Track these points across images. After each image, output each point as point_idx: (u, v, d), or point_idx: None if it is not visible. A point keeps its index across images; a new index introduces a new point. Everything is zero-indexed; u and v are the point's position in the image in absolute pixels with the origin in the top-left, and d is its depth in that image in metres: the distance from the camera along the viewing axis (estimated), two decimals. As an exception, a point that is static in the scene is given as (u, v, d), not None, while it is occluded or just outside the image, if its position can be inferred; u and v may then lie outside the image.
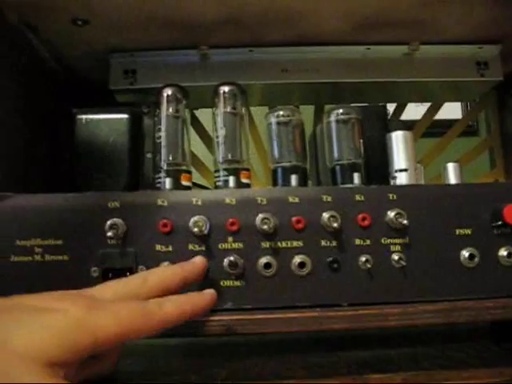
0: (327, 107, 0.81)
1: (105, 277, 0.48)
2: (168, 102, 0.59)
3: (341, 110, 0.59)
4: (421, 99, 0.82)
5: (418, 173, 0.59)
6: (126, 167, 0.63)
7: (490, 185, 0.52)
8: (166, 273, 0.43)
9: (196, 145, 0.82)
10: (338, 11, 0.62)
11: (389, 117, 0.84)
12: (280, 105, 0.77)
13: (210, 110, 0.62)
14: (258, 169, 0.82)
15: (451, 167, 0.58)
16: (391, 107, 0.86)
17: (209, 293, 0.44)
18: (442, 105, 0.85)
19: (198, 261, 0.46)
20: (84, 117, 0.64)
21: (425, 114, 0.86)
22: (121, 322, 0.35)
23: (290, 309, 0.47)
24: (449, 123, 0.87)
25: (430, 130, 0.86)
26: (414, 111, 0.91)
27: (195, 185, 0.76)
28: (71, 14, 0.60)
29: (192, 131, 0.79)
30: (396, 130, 0.58)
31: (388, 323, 0.46)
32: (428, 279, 0.49)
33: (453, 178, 0.58)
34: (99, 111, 0.64)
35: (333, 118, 0.59)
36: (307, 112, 0.83)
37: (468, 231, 0.50)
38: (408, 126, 0.84)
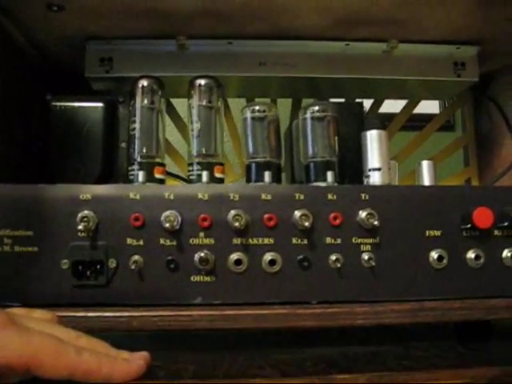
0: (304, 102, 0.81)
1: (75, 269, 0.47)
2: (143, 93, 0.58)
3: (316, 107, 0.59)
4: (398, 96, 0.83)
5: (392, 170, 0.60)
6: (100, 156, 0.62)
7: (460, 188, 0.53)
8: (99, 355, 0.37)
9: (171, 132, 0.81)
10: (318, 6, 0.62)
11: (366, 112, 0.85)
12: (257, 97, 0.77)
13: (186, 99, 0.61)
14: (234, 160, 0.82)
15: (425, 165, 0.59)
16: (369, 102, 0.86)
17: (138, 363, 0.38)
18: (419, 101, 0.86)
19: (135, 370, 0.38)
20: (58, 104, 0.63)
21: (402, 109, 0.86)
22: (28, 348, 0.33)
23: (260, 305, 0.47)
24: (426, 117, 0.88)
25: (407, 124, 0.87)
26: (392, 104, 0.91)
27: (169, 174, 0.75)
28: (46, -1, 0.59)
29: (168, 119, 0.79)
30: (372, 127, 0.58)
31: (356, 322, 0.46)
32: (397, 279, 0.50)
33: (426, 176, 0.58)
34: (74, 99, 0.63)
35: (308, 114, 0.59)
36: (286, 104, 0.84)
37: (438, 233, 0.50)
38: (385, 119, 0.85)
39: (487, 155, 0.85)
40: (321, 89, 0.76)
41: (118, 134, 0.64)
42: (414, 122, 0.89)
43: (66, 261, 0.47)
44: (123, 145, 0.64)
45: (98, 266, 0.48)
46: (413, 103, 0.86)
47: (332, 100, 0.80)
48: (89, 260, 0.47)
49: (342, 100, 0.82)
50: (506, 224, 0.50)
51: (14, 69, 0.67)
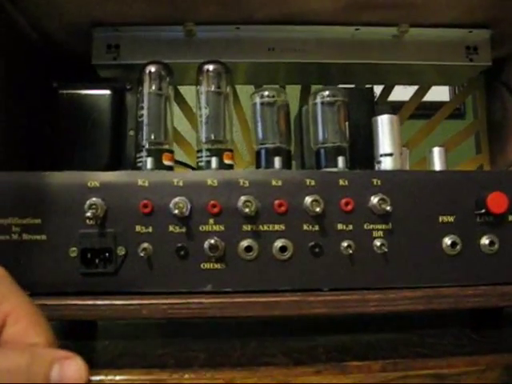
0: (314, 88, 0.80)
1: (83, 257, 0.47)
2: (151, 79, 0.57)
3: (327, 92, 0.58)
4: (408, 82, 0.82)
5: (403, 157, 0.59)
6: (108, 145, 0.62)
7: (474, 173, 0.52)
8: None
9: (179, 121, 0.81)
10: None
11: (376, 98, 0.84)
12: (266, 84, 0.76)
13: (194, 86, 0.61)
14: (243, 148, 0.81)
15: (436, 151, 0.58)
16: (378, 89, 0.85)
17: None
18: (429, 87, 0.85)
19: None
20: (65, 92, 0.63)
21: (412, 96, 0.85)
22: None
23: (271, 293, 0.46)
24: (436, 105, 0.87)
25: (417, 112, 0.86)
26: (402, 92, 0.90)
27: (178, 162, 0.75)
28: (52, -14, 0.58)
29: (176, 107, 0.78)
30: (382, 113, 0.58)
31: (368, 309, 0.45)
32: (409, 266, 0.49)
33: (438, 163, 0.57)
34: (81, 86, 0.63)
35: (318, 99, 0.58)
36: (294, 91, 0.83)
37: (451, 219, 0.50)
38: (395, 107, 0.84)
39: (499, 142, 0.83)
40: (330, 74, 0.74)
41: (126, 122, 0.64)
42: (424, 111, 0.88)
43: (74, 249, 0.47)
44: (131, 132, 0.63)
45: (107, 254, 0.47)
46: (423, 90, 0.85)
47: (341, 86, 0.79)
48: (97, 248, 0.47)
49: (352, 86, 0.81)
50: (521, 209, 0.49)
51: (18, 56, 0.67)
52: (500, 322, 0.56)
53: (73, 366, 0.33)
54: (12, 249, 0.47)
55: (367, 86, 0.78)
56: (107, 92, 0.62)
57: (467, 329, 0.53)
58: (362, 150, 0.60)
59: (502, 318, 0.58)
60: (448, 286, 0.48)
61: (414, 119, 0.87)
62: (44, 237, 0.47)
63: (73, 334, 0.54)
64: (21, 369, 0.32)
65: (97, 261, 0.47)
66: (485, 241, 0.49)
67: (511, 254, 0.50)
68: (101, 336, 0.53)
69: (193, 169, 0.70)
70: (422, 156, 0.74)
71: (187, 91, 0.80)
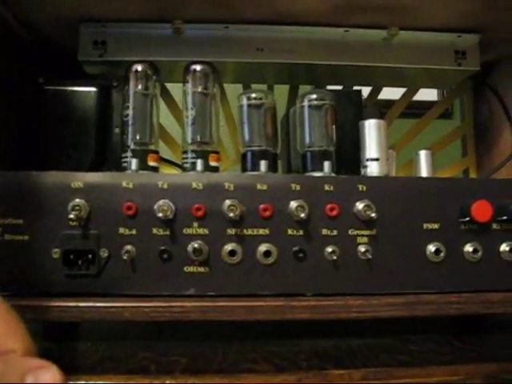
0: (302, 89, 0.80)
1: (66, 258, 0.46)
2: (137, 78, 0.57)
3: (314, 95, 0.58)
4: (397, 84, 0.81)
5: (389, 159, 0.59)
6: (93, 142, 0.62)
7: (459, 180, 0.52)
8: None
9: (166, 117, 0.80)
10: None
11: (364, 99, 0.84)
12: (254, 83, 0.76)
13: (182, 84, 0.60)
14: (229, 147, 0.81)
15: (423, 155, 0.58)
16: (367, 89, 0.85)
17: None
18: (418, 89, 0.85)
19: None
20: (51, 88, 0.62)
21: (401, 97, 0.85)
22: None
23: (254, 297, 0.46)
24: (424, 105, 0.87)
25: (405, 111, 0.86)
26: (391, 91, 0.90)
27: (164, 161, 0.74)
28: (37, -20, 0.57)
29: (163, 104, 0.78)
30: (370, 116, 0.57)
31: (351, 315, 0.45)
32: (393, 272, 0.49)
33: (424, 166, 0.57)
34: (67, 83, 0.62)
35: (306, 102, 0.58)
36: (283, 91, 0.82)
37: (435, 226, 0.50)
38: (384, 106, 0.84)
39: (486, 145, 0.84)
40: (319, 75, 0.74)
41: (112, 119, 0.63)
42: (412, 110, 0.88)
43: (57, 250, 0.46)
44: (117, 130, 0.63)
45: (90, 256, 0.47)
46: (412, 91, 0.85)
47: (330, 87, 0.79)
48: (80, 249, 0.47)
49: (340, 87, 0.80)
50: (504, 218, 0.50)
51: (6, 51, 0.66)
52: (483, 328, 0.56)
53: (47, 375, 0.32)
54: (-7, 249, 0.47)
55: (355, 87, 0.77)
56: (93, 89, 0.62)
57: (450, 335, 0.53)
58: (349, 152, 0.60)
59: (486, 325, 0.59)
60: (431, 293, 0.48)
61: (402, 118, 0.87)
62: (26, 237, 0.47)
63: (55, 335, 0.53)
64: None
65: (79, 262, 0.47)
66: (468, 248, 0.50)
67: (494, 261, 0.50)
68: (83, 337, 0.53)
69: (179, 167, 0.69)
70: (408, 157, 0.75)
71: (174, 87, 0.80)
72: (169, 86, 0.81)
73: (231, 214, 0.46)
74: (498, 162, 0.77)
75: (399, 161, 0.77)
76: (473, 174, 0.85)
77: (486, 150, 0.84)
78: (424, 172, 0.57)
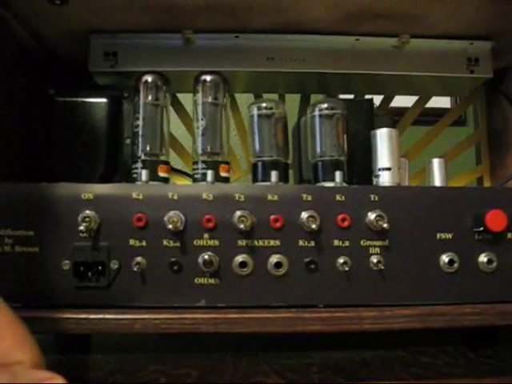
0: (313, 98, 0.79)
1: (76, 270, 0.46)
2: (147, 89, 0.57)
3: (325, 105, 0.57)
4: (409, 92, 0.81)
5: (402, 168, 0.58)
6: (104, 153, 0.62)
7: (473, 189, 0.51)
8: None
9: (179, 127, 0.80)
10: (327, 0, 0.60)
11: (376, 107, 0.83)
12: (265, 93, 0.75)
13: (192, 94, 0.60)
14: (241, 157, 0.81)
15: (436, 163, 0.57)
16: (379, 98, 0.85)
17: None
18: (431, 97, 0.84)
19: None
20: (62, 99, 0.62)
21: (413, 105, 0.84)
22: None
23: (265, 309, 0.46)
24: (437, 112, 0.86)
25: (418, 118, 0.85)
26: (403, 99, 0.89)
27: (175, 170, 0.74)
28: (48, -7, 0.58)
29: (174, 115, 0.78)
30: (382, 125, 0.57)
31: (363, 326, 0.45)
32: (406, 283, 0.48)
33: (437, 174, 0.57)
34: (77, 94, 0.63)
35: (317, 112, 0.57)
36: (295, 100, 0.82)
37: (449, 236, 0.49)
38: (396, 114, 0.84)
39: (500, 153, 0.83)
40: (330, 84, 0.74)
41: (123, 130, 0.63)
42: (425, 117, 0.87)
43: (67, 262, 0.46)
44: (128, 141, 0.63)
45: (100, 268, 0.47)
46: (425, 98, 0.84)
47: (341, 96, 0.78)
48: (90, 261, 0.46)
49: (352, 96, 0.80)
50: (520, 227, 0.49)
51: (16, 62, 0.66)
52: (498, 340, 0.55)
53: None
54: (4, 260, 0.47)
55: (367, 96, 0.77)
56: (104, 100, 0.62)
57: (464, 347, 0.52)
58: (361, 162, 0.60)
59: (501, 336, 0.58)
60: (445, 304, 0.47)
61: (415, 125, 0.87)
62: (37, 249, 0.47)
63: (67, 347, 0.53)
64: None
65: (90, 274, 0.47)
66: (483, 259, 0.49)
67: (510, 272, 0.49)
68: (94, 349, 0.53)
69: (190, 177, 0.69)
70: (421, 166, 0.74)
71: (186, 97, 0.79)
72: (180, 96, 0.81)
73: (242, 226, 0.46)
74: (512, 171, 0.76)
75: (412, 169, 0.76)
76: (487, 182, 0.84)
77: (500, 158, 0.83)
78: (437, 180, 0.56)
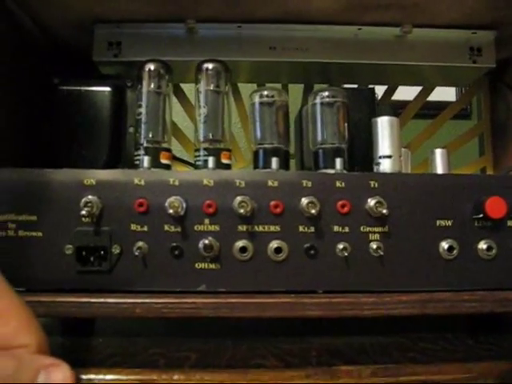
0: (316, 88, 0.79)
1: (79, 255, 0.47)
2: (150, 77, 0.58)
3: (326, 93, 0.58)
4: (412, 82, 0.81)
5: (404, 158, 0.59)
6: (107, 142, 0.62)
7: (472, 176, 0.51)
8: None
9: (183, 118, 0.81)
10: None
11: (379, 98, 0.83)
12: (268, 83, 0.76)
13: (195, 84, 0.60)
14: (245, 147, 0.81)
15: (438, 153, 0.57)
16: (382, 88, 0.85)
17: None
18: (433, 88, 0.84)
19: None
20: (65, 88, 0.63)
21: (416, 96, 0.84)
22: None
23: (265, 294, 0.46)
24: (441, 105, 0.86)
25: (422, 112, 0.85)
26: (406, 91, 0.89)
27: (176, 159, 0.75)
28: (52, -18, 0.58)
29: (177, 103, 0.78)
30: (383, 114, 0.57)
31: (363, 312, 0.45)
32: (405, 269, 0.49)
33: (440, 165, 0.57)
34: (81, 83, 0.63)
35: (318, 100, 0.58)
36: (298, 90, 0.82)
37: (448, 223, 0.49)
38: (399, 106, 0.84)
39: (503, 144, 0.83)
40: (333, 74, 0.74)
41: (126, 119, 0.64)
42: (430, 110, 0.87)
43: (69, 246, 0.47)
44: (131, 129, 0.63)
45: (102, 252, 0.47)
46: (427, 90, 0.84)
47: (345, 86, 0.79)
48: (92, 246, 0.47)
49: (355, 86, 0.80)
50: (520, 214, 0.49)
51: (20, 51, 0.66)
52: (500, 327, 0.55)
53: (59, 373, 0.33)
54: (8, 245, 0.47)
55: (370, 86, 0.77)
56: (107, 89, 0.62)
57: (464, 334, 0.52)
58: (362, 150, 0.60)
59: (503, 323, 0.58)
60: (444, 291, 0.47)
61: (419, 119, 0.87)
62: (40, 234, 0.47)
63: (70, 330, 0.54)
64: (7, 373, 0.32)
65: (92, 259, 0.47)
66: (482, 246, 0.49)
67: (509, 259, 0.49)
68: (97, 333, 0.53)
69: (192, 166, 0.70)
70: (425, 157, 0.74)
71: (189, 88, 0.80)
72: (184, 86, 0.81)
73: (242, 211, 0.47)
74: (515, 161, 0.76)
75: (415, 161, 0.76)
76: (490, 173, 0.84)
77: (504, 148, 0.82)
78: (439, 171, 0.56)
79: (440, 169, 0.57)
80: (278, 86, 0.79)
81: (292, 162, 0.69)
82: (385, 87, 0.84)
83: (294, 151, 0.68)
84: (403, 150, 0.60)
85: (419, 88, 0.84)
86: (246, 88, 0.82)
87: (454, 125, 0.89)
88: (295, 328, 0.54)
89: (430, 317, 0.47)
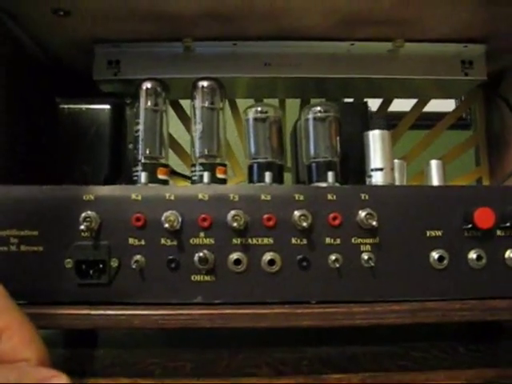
0: (312, 102, 0.81)
1: (78, 268, 0.48)
2: (147, 95, 0.59)
3: (318, 108, 0.59)
4: (406, 95, 0.82)
5: (400, 170, 0.60)
6: (107, 158, 0.63)
7: (461, 188, 0.52)
8: None
9: (183, 132, 0.82)
10: (322, 6, 0.62)
11: (375, 110, 0.85)
12: (265, 98, 0.77)
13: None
14: (243, 162, 0.82)
15: (434, 164, 0.58)
16: (378, 101, 0.86)
17: None
18: (429, 100, 0.85)
19: None
20: (66, 106, 0.64)
21: (412, 108, 0.86)
22: None
23: (259, 305, 0.47)
24: (440, 116, 0.87)
25: (420, 123, 0.86)
26: (402, 103, 0.90)
27: (175, 173, 0.76)
28: (52, 5, 0.60)
29: (177, 119, 0.80)
30: (376, 127, 0.58)
31: (355, 322, 0.46)
32: (397, 279, 0.49)
33: (435, 176, 0.58)
34: (81, 101, 0.64)
35: (310, 115, 0.59)
36: (296, 104, 0.84)
37: (439, 233, 0.50)
38: (395, 118, 0.85)
39: (498, 154, 0.84)
40: (328, 89, 0.75)
41: (126, 135, 0.65)
42: (427, 121, 0.88)
43: (69, 260, 0.48)
44: (130, 146, 0.65)
45: (101, 266, 0.48)
46: (422, 102, 0.85)
47: (342, 99, 0.80)
48: (92, 259, 0.48)
49: (351, 100, 0.82)
50: (508, 224, 0.50)
51: (21, 70, 0.68)
52: (493, 335, 0.56)
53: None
54: (10, 259, 0.48)
55: (365, 99, 0.78)
56: (107, 106, 0.64)
57: (456, 342, 0.53)
58: (356, 163, 0.61)
59: (496, 332, 0.58)
60: (435, 300, 0.48)
61: (417, 129, 0.88)
62: (41, 248, 0.49)
63: (74, 342, 0.55)
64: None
65: (91, 272, 0.48)
66: (472, 255, 0.50)
67: (499, 268, 0.50)
68: (101, 345, 0.55)
69: (189, 179, 0.71)
70: (422, 168, 0.75)
71: (188, 103, 0.82)
72: (183, 102, 0.83)
73: (235, 224, 0.48)
74: (509, 172, 0.77)
75: (411, 172, 0.77)
76: (486, 183, 0.85)
77: (499, 159, 0.84)
78: (435, 182, 0.57)
79: (435, 180, 0.58)
80: (276, 101, 0.81)
81: (288, 176, 0.71)
82: (381, 100, 0.86)
83: (291, 165, 0.70)
84: (399, 161, 0.61)
85: (414, 99, 0.86)
86: (245, 103, 0.83)
87: (455, 135, 0.90)
88: (289, 338, 0.55)
89: (421, 326, 0.48)
